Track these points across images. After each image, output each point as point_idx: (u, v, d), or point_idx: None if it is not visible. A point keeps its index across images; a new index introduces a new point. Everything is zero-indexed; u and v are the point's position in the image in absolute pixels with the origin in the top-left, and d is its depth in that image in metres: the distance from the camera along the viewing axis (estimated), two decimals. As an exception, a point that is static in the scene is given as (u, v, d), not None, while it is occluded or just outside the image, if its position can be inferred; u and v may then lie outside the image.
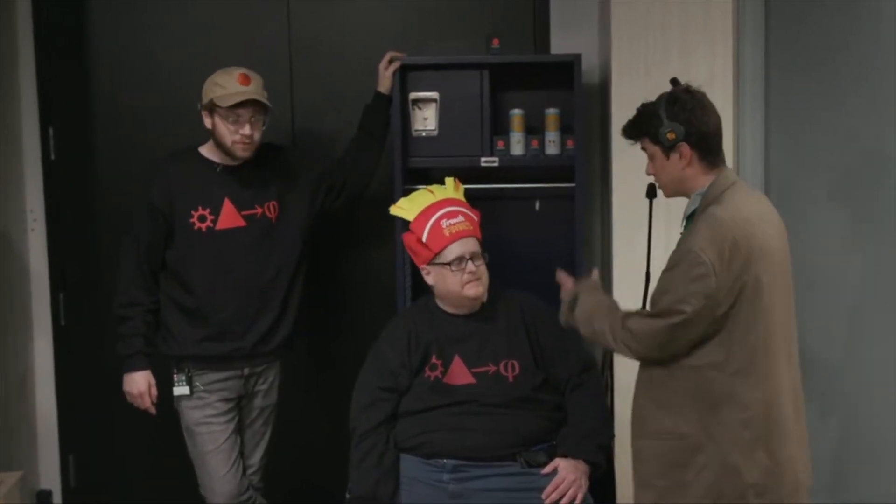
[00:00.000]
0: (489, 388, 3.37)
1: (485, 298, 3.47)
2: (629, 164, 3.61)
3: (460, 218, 3.42)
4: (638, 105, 2.81)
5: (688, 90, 2.77)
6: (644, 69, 3.59)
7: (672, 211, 3.55)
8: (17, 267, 4.24)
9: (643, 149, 2.83)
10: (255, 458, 3.78)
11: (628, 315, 2.82)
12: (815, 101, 3.55)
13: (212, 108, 3.51)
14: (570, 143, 3.86)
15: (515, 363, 3.41)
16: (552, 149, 3.89)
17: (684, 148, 2.73)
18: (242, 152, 3.54)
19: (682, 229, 2.85)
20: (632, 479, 2.89)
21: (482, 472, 3.26)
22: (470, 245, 3.39)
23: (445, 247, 3.38)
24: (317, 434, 4.28)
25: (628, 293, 3.64)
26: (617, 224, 3.68)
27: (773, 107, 3.63)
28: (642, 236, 3.60)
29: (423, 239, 3.41)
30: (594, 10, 4.09)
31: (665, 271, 2.73)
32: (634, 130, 2.82)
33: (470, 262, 3.37)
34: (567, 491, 3.21)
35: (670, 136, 2.72)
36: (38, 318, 4.33)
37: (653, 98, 2.82)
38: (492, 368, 3.40)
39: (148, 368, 3.58)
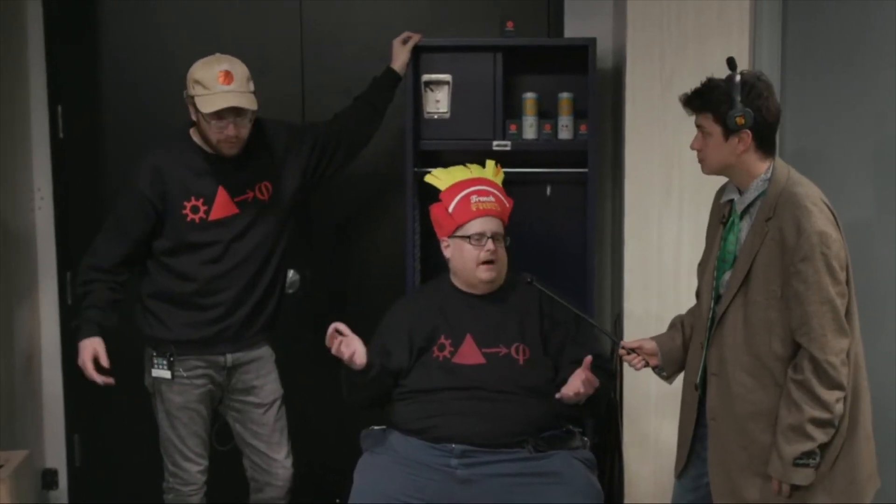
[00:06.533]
0: (498, 369, 3.36)
1: (501, 281, 3.47)
2: (641, 150, 3.61)
3: (490, 198, 3.47)
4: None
5: (759, 77, 2.75)
6: (659, 56, 3.57)
7: (685, 199, 3.55)
8: (24, 245, 4.23)
9: (698, 125, 2.78)
10: (281, 455, 3.66)
11: (808, 363, 2.65)
12: (831, 93, 3.54)
13: (195, 103, 3.36)
14: (583, 128, 3.85)
15: (527, 348, 3.41)
16: (565, 133, 3.88)
17: (746, 135, 2.71)
18: (228, 151, 3.41)
19: (735, 217, 2.81)
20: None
21: (491, 457, 3.26)
22: (493, 224, 3.42)
23: (469, 220, 3.41)
24: (326, 423, 4.26)
25: (639, 280, 3.65)
26: (629, 209, 3.66)
27: (789, 98, 3.61)
28: (654, 222, 3.61)
29: (450, 209, 3.44)
30: (608, -2, 4.07)
31: (791, 265, 2.64)
32: (699, 103, 2.76)
33: (490, 241, 3.39)
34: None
35: (740, 120, 2.68)
36: (45, 297, 4.32)
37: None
38: (503, 350, 3.40)
39: (95, 335, 3.43)
